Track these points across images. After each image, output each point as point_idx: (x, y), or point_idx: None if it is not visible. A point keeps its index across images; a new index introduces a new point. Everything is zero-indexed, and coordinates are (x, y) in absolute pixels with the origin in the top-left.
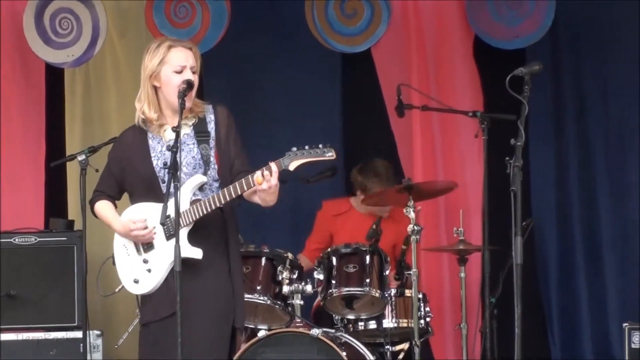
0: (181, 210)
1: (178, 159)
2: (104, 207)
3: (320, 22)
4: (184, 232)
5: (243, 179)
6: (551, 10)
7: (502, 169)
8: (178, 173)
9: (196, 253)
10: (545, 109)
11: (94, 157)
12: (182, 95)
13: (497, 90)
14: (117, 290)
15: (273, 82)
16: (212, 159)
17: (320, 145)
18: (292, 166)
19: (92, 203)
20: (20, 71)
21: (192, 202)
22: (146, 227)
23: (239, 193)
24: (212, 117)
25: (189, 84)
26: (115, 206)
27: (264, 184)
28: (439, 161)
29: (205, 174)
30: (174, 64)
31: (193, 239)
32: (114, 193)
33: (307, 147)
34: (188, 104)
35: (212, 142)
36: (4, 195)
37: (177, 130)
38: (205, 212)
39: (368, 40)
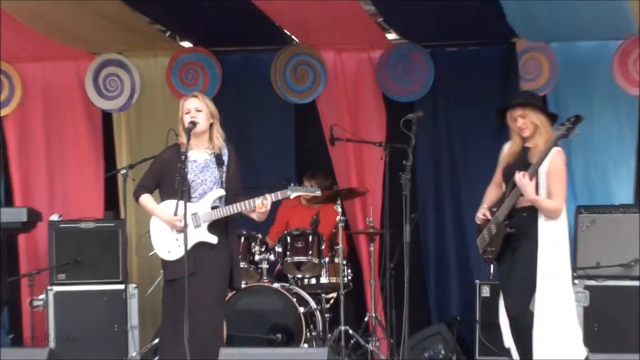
0: (205, 212)
1: (185, 173)
2: (147, 200)
3: (280, 82)
4: (206, 225)
5: (247, 201)
6: (431, 75)
7: (398, 179)
8: (185, 182)
9: (213, 239)
10: (426, 140)
11: (132, 171)
12: (188, 131)
13: (397, 127)
14: (150, 254)
15: (249, 126)
16: (223, 179)
17: (313, 185)
18: (292, 195)
19: (137, 195)
20: (85, 115)
21: (213, 207)
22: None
23: (244, 209)
24: (227, 152)
25: (193, 123)
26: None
27: (262, 208)
28: (359, 174)
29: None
30: (185, 109)
31: (211, 228)
32: (152, 188)
33: (302, 185)
34: (202, 129)
35: (224, 169)
36: (80, 196)
37: (184, 154)
38: (221, 216)
39: (312, 94)
